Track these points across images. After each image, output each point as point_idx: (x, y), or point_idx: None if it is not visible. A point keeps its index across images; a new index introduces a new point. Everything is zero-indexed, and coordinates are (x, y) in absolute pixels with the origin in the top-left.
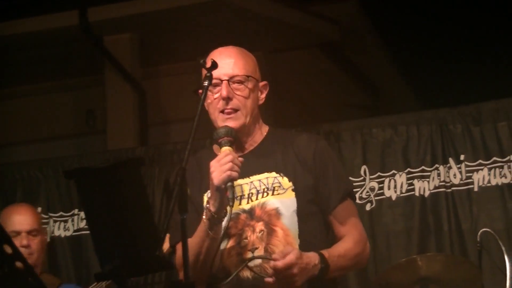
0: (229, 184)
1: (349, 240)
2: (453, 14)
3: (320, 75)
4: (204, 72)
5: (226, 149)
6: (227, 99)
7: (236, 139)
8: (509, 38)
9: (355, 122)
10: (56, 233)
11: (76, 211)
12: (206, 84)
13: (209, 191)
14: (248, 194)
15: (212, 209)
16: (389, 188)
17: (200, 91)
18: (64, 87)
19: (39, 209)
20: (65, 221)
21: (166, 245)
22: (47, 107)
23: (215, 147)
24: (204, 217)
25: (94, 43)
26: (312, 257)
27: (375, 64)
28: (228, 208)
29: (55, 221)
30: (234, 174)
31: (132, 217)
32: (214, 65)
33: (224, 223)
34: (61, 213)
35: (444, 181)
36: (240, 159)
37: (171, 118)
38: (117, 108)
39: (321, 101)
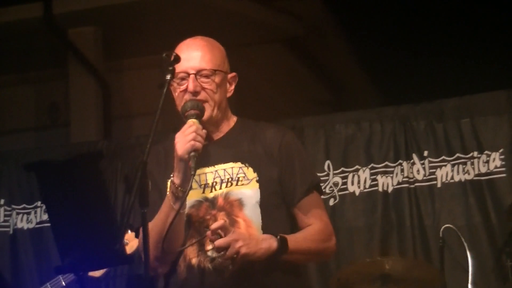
0: (192, 153)
1: (312, 228)
2: (417, 9)
3: (284, 71)
4: (177, 65)
5: (190, 121)
6: (194, 93)
7: (203, 112)
8: (473, 34)
9: (318, 118)
10: (19, 225)
11: (39, 203)
12: (168, 78)
13: (172, 178)
14: (212, 183)
15: (176, 181)
16: (352, 184)
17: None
18: (26, 80)
19: (2, 201)
20: (28, 213)
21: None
22: (9, 100)
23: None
24: (168, 191)
25: (58, 36)
26: (264, 236)
27: (338, 60)
28: (192, 173)
29: (18, 213)
30: (198, 144)
31: (92, 211)
32: (177, 59)
33: (193, 202)
34: (24, 205)
35: (407, 177)
36: (204, 131)
37: (134, 112)
38: (80, 101)
39: (284, 96)
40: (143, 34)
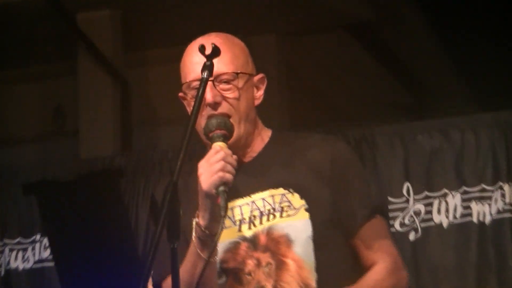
0: (220, 188)
1: (380, 270)
2: None
3: (349, 66)
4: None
5: (217, 145)
6: (214, 105)
7: (232, 132)
8: None
9: (394, 126)
10: (13, 265)
11: (38, 236)
12: (204, 76)
13: (196, 219)
14: (250, 218)
15: (202, 222)
16: (439, 212)
17: (181, 99)
18: (25, 76)
19: None
20: (24, 250)
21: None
22: (3, 101)
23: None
24: (193, 235)
25: (65, 22)
26: None
27: (419, 53)
28: (222, 214)
29: (11, 250)
30: (228, 176)
31: (109, 244)
32: (216, 51)
33: (227, 245)
34: (19, 239)
35: (510, 203)
36: (234, 156)
37: (161, 118)
38: (92, 104)
39: (350, 98)
40: (171, 19)
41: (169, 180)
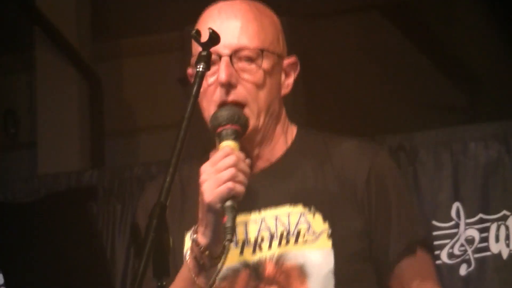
0: (228, 203)
1: None
2: None
3: (381, 56)
4: (197, 48)
5: (227, 145)
6: (228, 86)
7: (246, 127)
8: None
9: (441, 132)
10: None
11: None
12: (200, 69)
13: (194, 228)
14: (256, 240)
15: (202, 241)
16: (497, 240)
17: (189, 77)
18: None
19: None
20: None
21: None
22: None
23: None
24: (189, 255)
25: (19, 2)
26: None
27: (472, 41)
28: (226, 243)
29: None
30: (238, 188)
31: (78, 281)
32: (214, 39)
33: (218, 266)
34: None
35: None
36: (247, 161)
37: (141, 124)
38: (54, 107)
39: (383, 96)
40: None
41: (155, 203)
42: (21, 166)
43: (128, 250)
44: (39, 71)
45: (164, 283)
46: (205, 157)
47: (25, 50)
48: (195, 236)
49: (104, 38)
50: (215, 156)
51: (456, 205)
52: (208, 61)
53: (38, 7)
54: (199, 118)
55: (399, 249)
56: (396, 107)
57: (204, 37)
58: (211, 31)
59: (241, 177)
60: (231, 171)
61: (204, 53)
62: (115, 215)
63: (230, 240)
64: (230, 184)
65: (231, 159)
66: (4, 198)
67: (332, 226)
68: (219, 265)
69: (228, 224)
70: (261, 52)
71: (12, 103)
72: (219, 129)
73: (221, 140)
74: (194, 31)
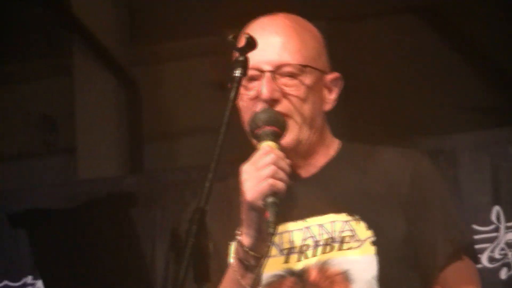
0: (269, 200)
1: None
2: None
3: (418, 58)
4: (235, 54)
5: (266, 145)
6: (270, 102)
7: (284, 129)
8: None
9: (480, 135)
10: None
11: (29, 279)
12: (237, 74)
13: (238, 237)
14: (301, 247)
15: (246, 241)
16: None
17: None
18: (5, 78)
19: None
20: None
21: None
22: None
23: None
24: (234, 257)
25: (57, 8)
26: None
27: (510, 42)
28: (269, 234)
29: None
30: (279, 184)
31: (118, 287)
32: (251, 44)
33: (270, 278)
34: (5, 282)
35: None
36: (288, 160)
37: (180, 129)
38: (92, 112)
39: (421, 99)
40: (191, 4)
41: (195, 208)
42: (60, 172)
43: (168, 256)
44: (77, 76)
45: None
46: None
47: (63, 56)
48: (239, 238)
49: (142, 43)
50: (255, 156)
51: (496, 208)
52: (246, 66)
53: (76, 14)
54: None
55: (447, 254)
56: (435, 110)
57: (241, 43)
58: (248, 36)
59: (281, 174)
60: (272, 168)
61: (241, 58)
62: (155, 221)
63: (274, 233)
64: (271, 181)
65: (271, 157)
66: (43, 204)
67: (375, 233)
68: (263, 259)
69: (271, 219)
70: (303, 68)
71: (51, 109)
72: (258, 131)
73: (260, 141)
74: (231, 37)
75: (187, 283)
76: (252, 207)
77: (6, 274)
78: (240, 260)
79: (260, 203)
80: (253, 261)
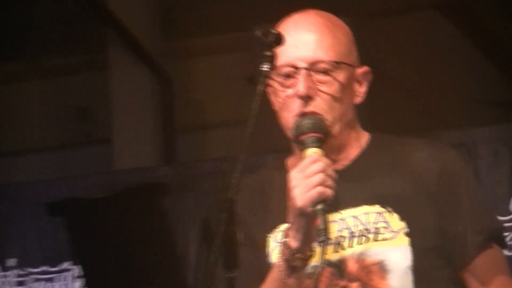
0: (319, 207)
1: None
2: None
3: (441, 53)
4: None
5: (313, 153)
6: (306, 99)
7: (328, 136)
8: None
9: (501, 129)
10: None
11: (67, 264)
12: (265, 68)
13: (277, 230)
14: (337, 238)
15: (294, 244)
16: None
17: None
18: (41, 72)
19: (12, 261)
20: (50, 280)
21: None
22: (15, 103)
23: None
24: (278, 258)
25: (93, 4)
26: None
27: None
28: (321, 244)
29: (36, 280)
30: (328, 192)
31: (153, 272)
32: (279, 39)
33: (309, 269)
34: (44, 267)
35: None
36: (333, 167)
37: (211, 121)
38: (127, 104)
39: (443, 94)
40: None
41: (225, 197)
42: (97, 162)
43: (199, 242)
44: (113, 70)
45: (234, 275)
46: (281, 164)
47: (100, 51)
48: (286, 239)
49: (175, 38)
50: (303, 163)
51: None
52: (273, 60)
53: (111, 10)
54: (268, 124)
55: (477, 244)
56: (457, 104)
57: (269, 38)
58: (276, 32)
59: (329, 181)
60: (320, 176)
61: (269, 53)
62: (187, 209)
63: (325, 241)
64: (320, 189)
65: (319, 165)
66: (81, 193)
67: (408, 224)
68: (319, 265)
69: (322, 226)
70: (336, 64)
71: (88, 102)
72: (303, 137)
73: (304, 147)
74: (259, 32)
75: (217, 269)
76: (302, 213)
77: (46, 259)
78: (286, 261)
79: (309, 210)
80: (298, 263)
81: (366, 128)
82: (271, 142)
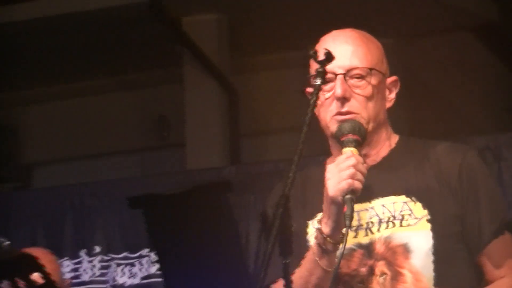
0: (347, 197)
1: (502, 283)
2: None
3: (473, 69)
4: (315, 65)
5: (348, 150)
6: (343, 100)
7: (365, 138)
8: None
9: None
10: (120, 280)
11: (145, 251)
12: (317, 83)
13: (315, 218)
14: (367, 224)
15: (325, 230)
16: None
17: (309, 89)
18: (126, 85)
19: (97, 248)
20: (131, 265)
21: None
22: (104, 111)
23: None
24: (313, 241)
25: (170, 26)
26: None
27: None
28: (345, 227)
29: (118, 265)
30: (357, 184)
31: (218, 260)
32: (329, 57)
33: (339, 251)
34: (125, 253)
35: None
36: (365, 165)
37: (271, 127)
38: (199, 113)
39: (474, 103)
40: (280, 23)
41: (281, 194)
42: (173, 163)
43: (260, 234)
44: (186, 83)
45: (288, 261)
46: (321, 163)
47: (174, 66)
48: (319, 225)
49: (240, 56)
50: (339, 158)
51: None
52: (324, 76)
53: (186, 32)
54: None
55: (491, 230)
56: (484, 113)
57: (321, 57)
58: (326, 51)
59: (359, 175)
60: (351, 170)
61: (321, 69)
62: (249, 205)
63: (349, 226)
64: (350, 181)
65: (352, 161)
66: (158, 190)
67: (430, 212)
68: (341, 247)
69: (348, 213)
70: (369, 71)
71: (164, 110)
72: (343, 138)
73: (343, 146)
74: (312, 51)
75: (273, 257)
76: (333, 201)
77: (127, 246)
78: (319, 244)
79: (340, 199)
80: (330, 246)
81: (408, 131)
82: (322, 146)
